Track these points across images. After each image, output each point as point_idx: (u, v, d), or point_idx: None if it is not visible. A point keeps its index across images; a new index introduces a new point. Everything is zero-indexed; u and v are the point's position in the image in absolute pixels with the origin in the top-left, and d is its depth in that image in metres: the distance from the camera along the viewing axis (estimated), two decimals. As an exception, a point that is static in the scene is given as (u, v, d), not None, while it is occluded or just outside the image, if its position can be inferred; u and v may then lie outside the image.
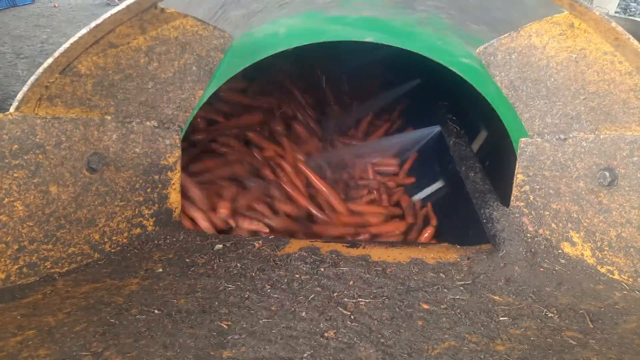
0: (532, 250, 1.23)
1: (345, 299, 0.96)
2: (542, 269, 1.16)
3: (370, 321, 0.88)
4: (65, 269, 1.06)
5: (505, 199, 1.41)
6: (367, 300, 0.96)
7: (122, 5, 0.86)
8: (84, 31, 0.87)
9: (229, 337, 0.82)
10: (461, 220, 1.74)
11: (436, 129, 2.00)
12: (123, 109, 1.12)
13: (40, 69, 0.88)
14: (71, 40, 0.88)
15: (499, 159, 1.67)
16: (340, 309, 0.92)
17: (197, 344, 0.80)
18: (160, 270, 1.11)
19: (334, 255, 1.22)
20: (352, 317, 0.89)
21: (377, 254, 1.27)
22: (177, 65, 1.12)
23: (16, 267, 0.97)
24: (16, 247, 0.97)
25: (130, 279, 1.05)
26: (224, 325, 0.85)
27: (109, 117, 1.11)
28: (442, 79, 2.26)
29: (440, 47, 1.20)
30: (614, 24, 0.87)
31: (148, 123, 1.18)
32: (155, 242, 1.25)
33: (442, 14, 1.26)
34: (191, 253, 1.22)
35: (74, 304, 0.91)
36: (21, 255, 0.98)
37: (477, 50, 1.12)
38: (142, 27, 1.00)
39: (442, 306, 0.96)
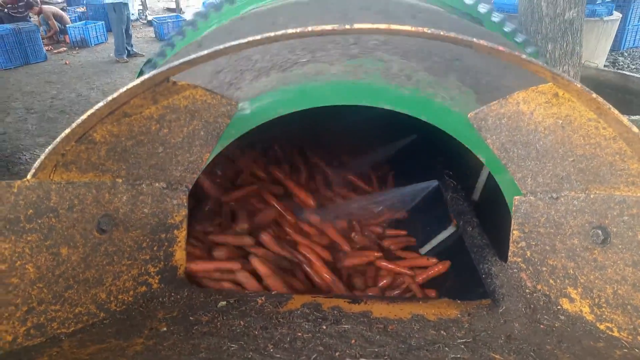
0: (532, 306, 1.24)
1: (347, 359, 0.98)
2: (542, 326, 1.18)
3: (371, 382, 0.89)
4: (72, 329, 1.08)
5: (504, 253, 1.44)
6: (368, 360, 0.97)
7: (138, 81, 0.93)
8: (101, 104, 0.94)
9: (233, 400, 0.83)
10: (461, 274, 1.76)
11: (433, 183, 2.05)
12: (134, 172, 1.17)
13: (58, 139, 0.94)
14: (89, 112, 0.95)
15: (496, 212, 1.71)
16: (342, 369, 0.94)
17: (202, 407, 0.81)
18: (165, 329, 1.12)
19: (335, 312, 1.24)
20: (353, 378, 0.91)
21: (379, 310, 1.29)
22: (187, 131, 1.19)
23: (24, 328, 0.99)
24: (25, 308, 0.99)
25: (135, 338, 1.07)
26: (228, 388, 0.87)
27: (120, 180, 1.16)
28: (437, 136, 2.35)
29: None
30: (594, 95, 0.93)
31: (157, 184, 1.23)
32: (160, 299, 1.28)
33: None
34: (195, 311, 1.24)
35: (80, 365, 0.93)
36: (29, 317, 1.00)
37: (469, 115, 1.19)
38: (154, 99, 1.07)
39: (443, 366, 0.97)
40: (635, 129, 0.93)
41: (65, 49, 9.84)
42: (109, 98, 0.94)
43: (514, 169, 1.23)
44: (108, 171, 1.13)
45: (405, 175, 2.33)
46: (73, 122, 0.94)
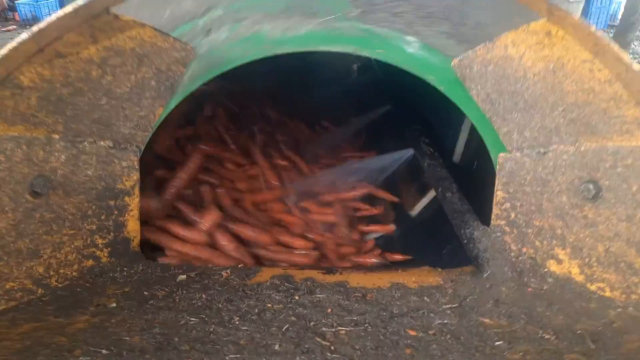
0: (518, 270, 1.17)
1: (324, 329, 0.87)
2: (530, 289, 1.10)
3: (352, 352, 0.78)
4: (2, 307, 0.92)
5: (486, 218, 1.36)
6: (347, 329, 0.86)
7: (69, 8, 0.78)
8: (24, 36, 0.78)
9: (190, 378, 0.71)
10: (440, 242, 1.68)
11: (409, 152, 1.96)
12: (73, 127, 1.02)
13: (-26, 78, 0.78)
14: (10, 47, 0.79)
15: (478, 176, 1.63)
16: (319, 339, 0.82)
17: (151, 388, 0.68)
18: (114, 305, 0.98)
19: (309, 283, 1.13)
20: (332, 347, 0.80)
21: (356, 279, 1.19)
22: (134, 79, 1.03)
23: (-60, 306, 0.83)
24: (-60, 282, 0.83)
25: (78, 316, 0.93)
26: (185, 364, 0.74)
27: (57, 136, 1.00)
28: (414, 103, 2.27)
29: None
30: (593, 29, 0.84)
31: (102, 143, 1.08)
32: (111, 274, 1.13)
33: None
34: (150, 285, 1.10)
35: (6, 347, 0.78)
36: (-54, 293, 0.84)
37: (452, 63, 1.09)
38: (93, 36, 0.92)
39: (430, 332, 0.87)
40: (636, 67, 0.84)
41: (15, 27, 9.23)
42: (35, 28, 0.78)
43: (499, 123, 1.14)
44: (41, 124, 0.97)
45: (381, 147, 2.23)
46: None
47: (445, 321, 0.92)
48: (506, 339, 0.84)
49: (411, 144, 1.99)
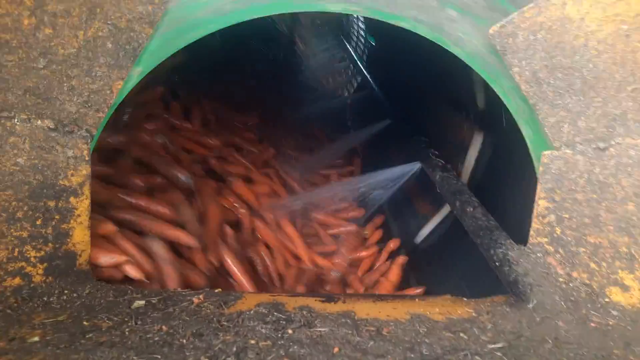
0: (572, 299, 0.92)
1: (331, 377, 0.60)
2: (593, 325, 0.85)
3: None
4: None
5: (514, 235, 1.12)
6: (365, 378, 0.60)
7: None
8: None
9: None
10: (458, 266, 1.43)
11: (416, 165, 1.74)
12: (-3, 95, 0.76)
13: None
14: None
15: (492, 191, 1.40)
16: (326, 394, 0.56)
17: None
18: (36, 339, 0.71)
19: (305, 312, 0.87)
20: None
21: (364, 309, 0.93)
22: (83, 37, 0.79)
23: None
24: None
25: (-23, 355, 0.65)
26: None
27: (-26, 107, 0.75)
28: (416, 118, 2.08)
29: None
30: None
31: (39, 122, 0.82)
32: (44, 298, 0.86)
33: None
34: (95, 314, 0.83)
35: None
36: None
37: (490, 31, 0.87)
38: (25, -34, 0.68)
39: (483, 384, 0.61)
40: None
41: None
42: None
43: (546, 111, 0.91)
44: (-51, 88, 0.71)
45: (383, 161, 2.01)
46: None
47: (499, 367, 0.66)
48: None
49: (418, 157, 1.77)
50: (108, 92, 0.86)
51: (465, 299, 1.06)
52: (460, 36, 0.92)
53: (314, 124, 2.56)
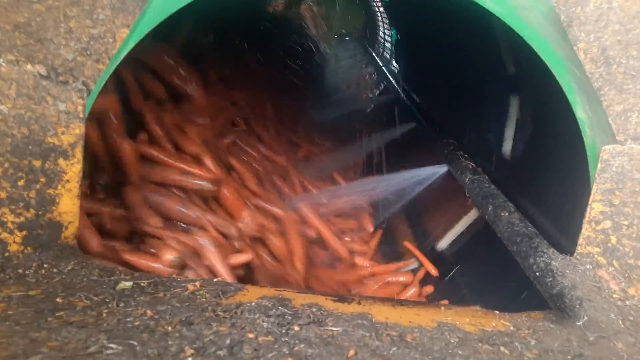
0: (630, 319, 0.78)
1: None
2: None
3: None
4: None
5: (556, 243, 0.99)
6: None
7: None
8: None
9: None
10: (483, 274, 1.30)
11: (443, 168, 1.61)
12: (-19, 28, 0.66)
13: None
14: None
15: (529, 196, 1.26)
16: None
17: None
18: (-7, 312, 0.59)
19: (314, 310, 0.75)
20: None
21: (382, 312, 0.81)
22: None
23: None
24: None
25: None
26: None
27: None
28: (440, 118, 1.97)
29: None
30: None
31: (29, 67, 0.72)
32: (19, 270, 0.76)
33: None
34: (73, 292, 0.72)
35: None
36: None
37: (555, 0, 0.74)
38: None
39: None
40: None
41: None
42: None
43: (612, 97, 0.78)
44: None
45: (407, 164, 1.90)
46: None
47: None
48: None
49: (444, 160, 1.64)
50: (111, 40, 0.76)
51: (497, 311, 0.92)
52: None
53: (339, 125, 2.49)
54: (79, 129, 0.79)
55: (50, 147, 0.78)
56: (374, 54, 4.06)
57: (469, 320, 0.84)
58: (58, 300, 0.67)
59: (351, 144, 2.25)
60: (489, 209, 1.25)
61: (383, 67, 3.48)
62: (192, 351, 0.52)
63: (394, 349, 0.60)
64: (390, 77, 3.15)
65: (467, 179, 1.43)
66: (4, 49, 0.70)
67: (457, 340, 0.68)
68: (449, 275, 1.56)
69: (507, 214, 1.17)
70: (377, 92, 3.37)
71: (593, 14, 0.73)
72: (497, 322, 0.85)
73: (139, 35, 0.78)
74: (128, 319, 0.61)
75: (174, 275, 0.91)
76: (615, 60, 0.75)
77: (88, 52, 0.75)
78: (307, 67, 3.15)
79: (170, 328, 0.59)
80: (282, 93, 2.30)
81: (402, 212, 1.80)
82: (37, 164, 0.78)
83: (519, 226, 1.12)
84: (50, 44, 0.72)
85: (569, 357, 0.65)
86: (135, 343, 0.52)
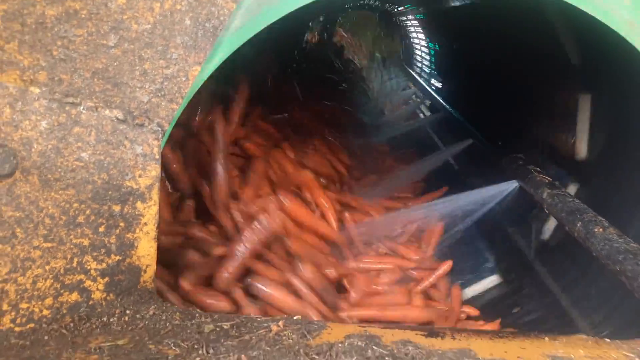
0: None
1: None
2: None
3: None
4: None
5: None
6: None
7: None
8: None
9: None
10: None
11: (513, 184, 1.52)
12: (64, 77, 0.67)
13: None
14: None
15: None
16: None
17: None
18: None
19: (410, 348, 0.68)
20: None
21: (483, 348, 0.74)
22: (160, 10, 0.69)
23: None
24: None
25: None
26: None
27: (37, 90, 0.65)
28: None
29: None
30: None
31: (107, 112, 0.72)
32: (104, 318, 0.74)
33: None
34: (161, 338, 0.69)
35: None
36: None
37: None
38: None
39: None
40: None
41: None
42: None
43: None
44: (12, 65, 0.62)
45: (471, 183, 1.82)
46: None
47: None
48: None
49: (513, 175, 1.55)
50: (183, 78, 0.75)
51: (607, 339, 0.83)
52: None
53: (385, 149, 2.44)
54: (155, 170, 0.78)
55: (128, 190, 0.77)
56: (413, 73, 4.02)
57: (584, 352, 0.75)
58: (150, 347, 0.65)
59: (404, 168, 2.19)
60: (578, 225, 1.15)
61: (426, 85, 3.43)
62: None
63: (518, 393, 0.53)
64: (434, 94, 3.10)
65: (544, 194, 1.34)
66: (84, 96, 0.70)
67: (583, 378, 0.60)
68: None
69: (601, 229, 1.07)
70: (424, 110, 3.31)
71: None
72: (616, 352, 0.76)
73: (209, 71, 0.77)
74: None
75: (253, 316, 0.88)
76: None
77: (162, 93, 0.75)
78: (349, 95, 3.15)
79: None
80: (328, 125, 2.27)
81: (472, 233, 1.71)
82: (117, 208, 0.77)
83: (617, 242, 1.02)
84: (126, 88, 0.72)
85: None
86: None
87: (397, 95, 3.95)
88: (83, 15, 0.64)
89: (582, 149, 1.29)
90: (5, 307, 0.64)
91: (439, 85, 3.21)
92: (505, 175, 1.62)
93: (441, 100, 2.87)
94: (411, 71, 4.13)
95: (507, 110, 1.91)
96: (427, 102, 3.37)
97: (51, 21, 0.62)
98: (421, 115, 3.25)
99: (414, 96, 3.67)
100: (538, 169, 1.51)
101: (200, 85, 0.79)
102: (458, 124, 2.40)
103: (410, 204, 1.79)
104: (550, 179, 1.41)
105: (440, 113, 2.81)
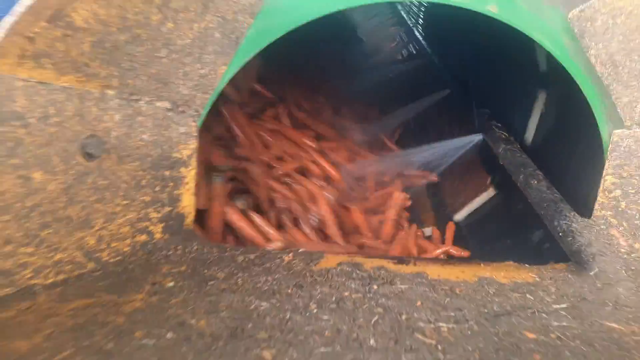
0: (633, 268, 0.99)
1: (421, 324, 0.72)
2: (653, 291, 0.92)
3: (468, 354, 0.63)
4: (50, 280, 0.82)
5: (577, 208, 1.19)
6: (449, 326, 0.71)
7: None
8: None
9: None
10: (516, 237, 1.51)
11: (478, 137, 1.79)
12: (130, 82, 0.90)
13: (20, 8, 0.67)
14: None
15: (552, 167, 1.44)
16: (419, 335, 0.68)
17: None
18: (172, 284, 0.87)
19: (383, 272, 0.98)
20: (439, 347, 0.65)
21: (434, 271, 1.03)
22: (197, 28, 0.91)
23: (-17, 275, 0.74)
24: (-17, 248, 0.73)
25: (133, 294, 0.81)
26: (267, 356, 0.61)
27: (112, 92, 0.89)
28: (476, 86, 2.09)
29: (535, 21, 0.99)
30: None
31: (159, 104, 0.96)
32: (164, 252, 1.02)
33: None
34: (208, 266, 0.98)
35: (57, 323, 0.67)
36: (-10, 260, 0.74)
37: (570, 15, 0.91)
38: (157, -27, 0.80)
39: (551, 335, 0.71)
40: None
41: None
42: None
43: (619, 92, 0.96)
44: (95, 77, 0.86)
45: (442, 134, 2.06)
46: None
47: (564, 324, 0.76)
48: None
49: (480, 129, 1.81)
50: (213, 76, 0.98)
51: (527, 265, 1.14)
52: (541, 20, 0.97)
53: (367, 94, 2.53)
54: (193, 144, 1.04)
55: (175, 160, 1.03)
56: (402, 13, 3.99)
57: (504, 274, 1.06)
58: (203, 272, 0.94)
59: (385, 113, 2.39)
60: (521, 177, 1.44)
61: (413, 28, 3.50)
62: (315, 305, 0.77)
63: (448, 299, 0.84)
64: (422, 39, 3.18)
65: (500, 148, 1.62)
66: (144, 93, 0.94)
67: (494, 290, 0.91)
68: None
69: (536, 181, 1.37)
70: (408, 55, 3.37)
71: (601, 28, 0.90)
72: (525, 274, 1.07)
73: (233, 70, 1.01)
74: (258, 285, 0.88)
75: (268, 249, 1.18)
76: (620, 63, 0.92)
77: (198, 87, 0.98)
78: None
79: (290, 290, 0.85)
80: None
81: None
82: (167, 173, 1.03)
83: (546, 193, 1.32)
84: (172, 85, 0.96)
85: (579, 299, 0.87)
86: (275, 302, 0.78)
87: (384, 33, 3.88)
88: (143, 38, 0.86)
89: (529, 138, 1.56)
90: (103, 246, 0.92)
91: (424, 32, 3.29)
92: (473, 127, 1.88)
93: (425, 46, 3.00)
94: (401, 11, 4.12)
95: (484, 74, 2.09)
96: (412, 46, 3.43)
97: (122, 44, 0.85)
98: (404, 61, 3.31)
99: (399, 38, 3.70)
100: (499, 124, 1.78)
101: (227, 79, 1.02)
102: (438, 72, 2.56)
103: (384, 154, 2.03)
104: (507, 135, 1.68)
105: (424, 59, 2.92)
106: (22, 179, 0.77)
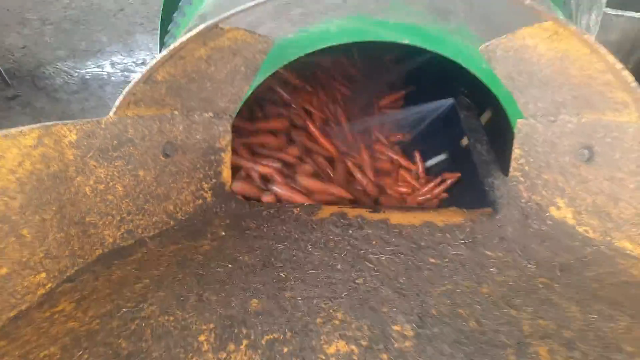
0: (525, 213, 1.48)
1: (370, 255, 1.24)
2: (531, 230, 1.42)
3: (389, 272, 1.16)
4: (152, 233, 1.36)
5: (505, 170, 1.65)
6: (386, 256, 1.24)
7: (195, 31, 1.10)
8: (164, 53, 1.13)
9: (287, 283, 1.12)
10: (467, 188, 1.99)
11: (449, 101, 2.20)
12: (187, 105, 1.38)
13: (132, 83, 1.14)
14: (154, 61, 1.14)
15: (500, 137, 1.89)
16: (367, 262, 1.20)
17: (265, 287, 1.10)
18: (223, 233, 1.40)
19: (359, 220, 1.49)
20: (375, 268, 1.18)
21: (396, 218, 1.53)
22: (229, 67, 1.36)
23: (119, 233, 1.28)
24: (119, 218, 1.27)
25: (201, 240, 1.35)
26: (282, 275, 1.15)
27: (177, 112, 1.37)
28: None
29: (466, 53, 1.41)
30: (586, 36, 1.08)
31: (206, 114, 1.44)
32: (214, 210, 1.54)
33: (470, 26, 1.47)
34: (244, 219, 1.50)
35: (167, 260, 1.22)
36: (122, 224, 1.28)
37: (479, 48, 1.33)
38: (204, 42, 1.24)
39: (445, 260, 1.23)
40: (618, 65, 1.08)
41: None
42: (172, 46, 1.12)
43: (518, 96, 1.39)
44: (167, 105, 1.33)
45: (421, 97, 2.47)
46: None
47: (458, 252, 1.27)
48: (498, 267, 1.19)
49: (451, 94, 2.23)
50: (240, 93, 1.45)
51: (464, 210, 1.64)
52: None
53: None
54: (228, 137, 1.52)
55: (217, 148, 1.52)
56: None
57: (443, 218, 1.56)
58: (242, 224, 1.47)
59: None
60: (471, 140, 1.90)
61: None
62: (310, 246, 1.28)
63: (394, 239, 1.34)
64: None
65: (462, 114, 2.06)
66: (196, 109, 1.42)
67: (427, 231, 1.41)
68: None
69: (480, 145, 1.83)
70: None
71: (500, 57, 1.32)
72: (457, 218, 1.57)
73: (253, 86, 1.47)
74: (276, 232, 1.40)
75: (283, 204, 1.71)
76: (516, 79, 1.35)
77: (231, 101, 1.45)
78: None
79: (296, 236, 1.36)
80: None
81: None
82: (212, 157, 1.53)
83: (484, 155, 1.78)
84: (214, 102, 1.43)
85: (478, 235, 1.38)
86: (287, 244, 1.30)
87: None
88: (196, 78, 1.32)
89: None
90: (177, 210, 1.45)
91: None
92: (446, 92, 2.29)
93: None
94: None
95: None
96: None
97: (183, 84, 1.31)
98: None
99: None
100: (465, 90, 2.19)
101: (249, 94, 1.49)
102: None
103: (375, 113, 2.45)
104: (469, 102, 2.11)
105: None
106: (134, 176, 1.29)
